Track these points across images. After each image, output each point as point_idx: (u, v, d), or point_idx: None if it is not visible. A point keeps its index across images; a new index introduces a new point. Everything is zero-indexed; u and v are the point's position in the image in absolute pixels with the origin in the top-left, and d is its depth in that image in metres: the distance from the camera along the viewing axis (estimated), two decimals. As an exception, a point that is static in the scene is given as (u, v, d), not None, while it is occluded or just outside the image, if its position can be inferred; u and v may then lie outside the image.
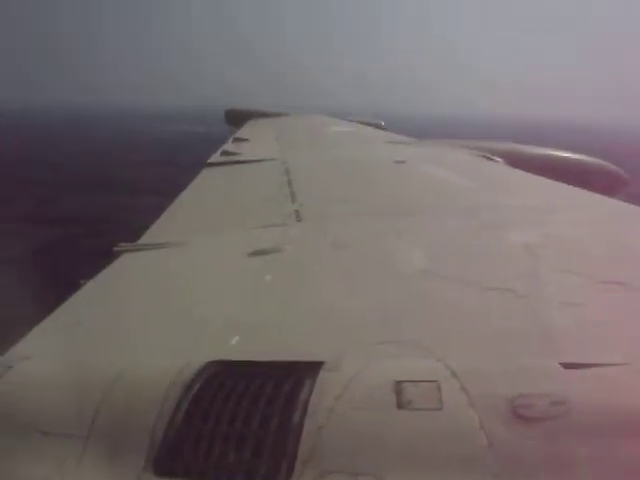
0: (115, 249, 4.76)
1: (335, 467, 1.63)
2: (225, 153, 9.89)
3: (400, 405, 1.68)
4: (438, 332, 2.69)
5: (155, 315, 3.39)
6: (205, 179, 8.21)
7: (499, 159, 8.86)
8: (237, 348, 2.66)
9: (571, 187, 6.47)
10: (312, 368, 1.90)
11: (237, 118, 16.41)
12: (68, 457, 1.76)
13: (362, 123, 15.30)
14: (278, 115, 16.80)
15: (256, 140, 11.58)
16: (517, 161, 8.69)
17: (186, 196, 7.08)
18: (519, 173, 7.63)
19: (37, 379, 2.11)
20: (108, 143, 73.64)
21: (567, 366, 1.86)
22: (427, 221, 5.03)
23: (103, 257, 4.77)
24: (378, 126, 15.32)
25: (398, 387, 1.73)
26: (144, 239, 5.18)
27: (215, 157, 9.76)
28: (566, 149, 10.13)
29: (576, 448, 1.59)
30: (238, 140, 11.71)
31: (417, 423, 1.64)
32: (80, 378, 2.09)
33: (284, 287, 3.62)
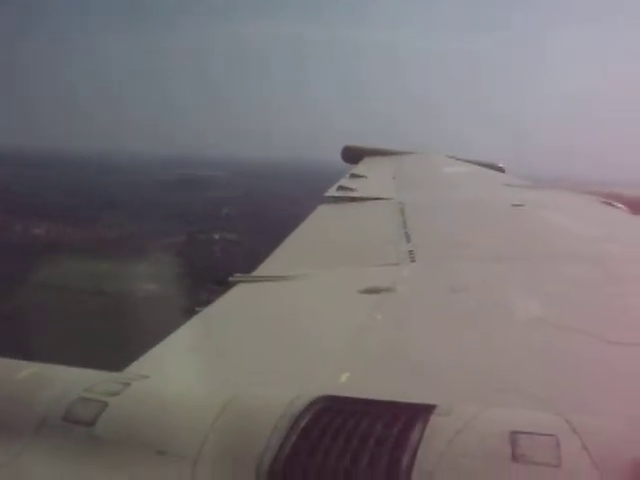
0: (231, 279, 4.89)
1: None
2: (341, 188, 9.99)
3: (515, 457, 1.59)
4: (556, 384, 2.58)
5: (267, 346, 3.45)
6: (321, 215, 8.32)
7: (621, 206, 8.43)
8: (347, 384, 2.65)
9: None
10: (424, 410, 1.85)
11: (354, 155, 16.48)
12: (178, 477, 1.80)
13: (481, 165, 14.99)
14: (395, 153, 16.77)
15: (372, 178, 11.63)
16: None
17: (302, 231, 7.19)
18: None
19: (154, 398, 2.19)
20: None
21: None
22: (544, 268, 4.86)
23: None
24: (497, 168, 14.95)
25: (513, 438, 1.64)
26: (259, 271, 5.29)
27: (331, 191, 9.87)
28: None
29: None
30: (355, 176, 11.78)
31: (532, 478, 1.56)
32: (193, 401, 2.14)
33: (396, 327, 3.59)
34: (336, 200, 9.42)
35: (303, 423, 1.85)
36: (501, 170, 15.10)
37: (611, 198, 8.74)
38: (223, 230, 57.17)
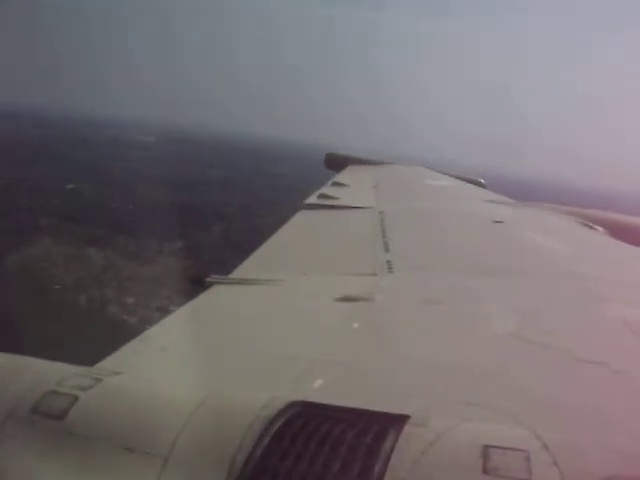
0: (207, 280, 4.88)
1: None
2: (322, 196, 9.98)
3: (486, 470, 1.60)
4: (528, 400, 2.60)
5: (241, 348, 3.44)
6: (301, 221, 8.31)
7: (600, 228, 8.56)
8: (320, 391, 2.65)
9: None
10: (397, 420, 1.85)
11: (337, 163, 16.48)
12: (147, 475, 1.79)
13: (462, 179, 15.10)
14: (378, 163, 16.83)
15: (354, 186, 11.65)
16: (620, 232, 8.34)
17: (281, 236, 7.18)
18: (621, 245, 7.36)
19: (126, 395, 2.16)
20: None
21: None
22: (520, 284, 4.91)
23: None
24: (478, 184, 15.06)
25: (485, 452, 1.65)
26: (236, 273, 5.28)
27: (312, 199, 9.86)
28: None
29: None
30: (336, 184, 11.79)
31: None
32: (166, 400, 2.13)
33: (371, 336, 3.60)
34: (316, 207, 9.40)
35: (277, 427, 1.85)
36: (482, 186, 15.22)
37: (591, 220, 8.86)
38: (82, 182, 62.69)
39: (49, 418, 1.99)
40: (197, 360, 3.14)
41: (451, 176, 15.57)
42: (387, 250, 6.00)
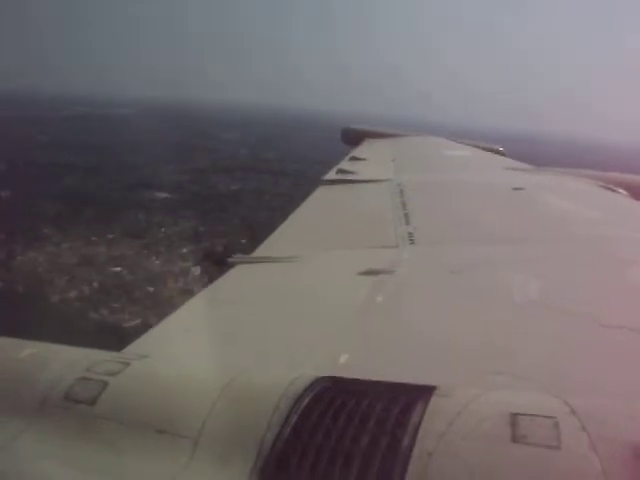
0: (230, 260, 4.90)
1: None
2: (341, 171, 9.94)
3: (514, 439, 1.60)
4: (554, 367, 2.59)
5: (266, 327, 3.46)
6: (320, 197, 8.30)
7: (622, 191, 8.44)
8: (347, 366, 2.66)
9: None
10: (424, 392, 1.86)
11: (354, 137, 16.40)
12: (178, 457, 1.82)
13: (480, 148, 14.95)
14: (395, 135, 16.70)
15: (372, 160, 11.58)
16: None
17: (301, 212, 7.18)
18: None
19: (154, 378, 2.20)
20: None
21: None
22: (544, 251, 4.87)
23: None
24: (497, 151, 14.93)
25: (513, 420, 1.65)
26: (258, 252, 5.30)
27: (330, 175, 9.83)
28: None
29: None
30: (354, 159, 11.73)
31: (532, 459, 1.56)
32: (194, 381, 2.16)
33: (395, 309, 3.60)
34: (335, 182, 9.38)
35: (304, 404, 1.87)
36: (501, 154, 15.07)
37: (612, 183, 8.75)
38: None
39: (81, 404, 2.03)
40: (224, 340, 3.17)
41: (469, 145, 15.43)
42: (408, 222, 5.98)
